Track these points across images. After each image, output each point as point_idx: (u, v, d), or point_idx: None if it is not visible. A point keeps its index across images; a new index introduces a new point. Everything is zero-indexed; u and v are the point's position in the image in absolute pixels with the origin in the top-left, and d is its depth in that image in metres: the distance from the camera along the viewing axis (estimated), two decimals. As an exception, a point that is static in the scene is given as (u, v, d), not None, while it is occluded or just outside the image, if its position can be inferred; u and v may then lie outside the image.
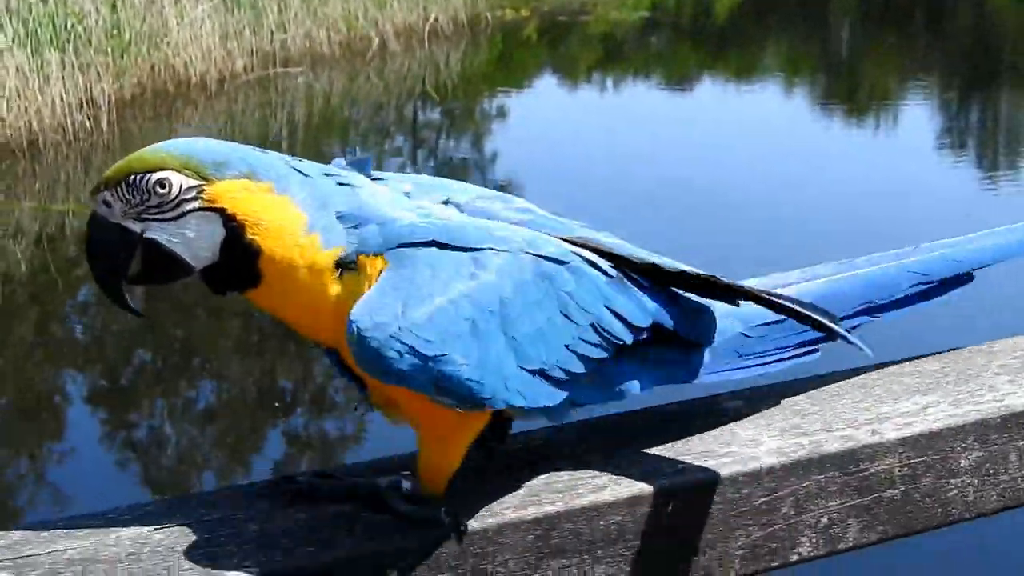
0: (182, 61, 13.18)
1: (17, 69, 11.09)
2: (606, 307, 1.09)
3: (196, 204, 1.01)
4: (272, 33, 14.64)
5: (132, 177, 1.02)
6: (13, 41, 11.29)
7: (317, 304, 1.04)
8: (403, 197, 1.09)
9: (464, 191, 1.15)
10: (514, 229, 1.07)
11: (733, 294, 1.19)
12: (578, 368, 1.08)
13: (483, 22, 18.45)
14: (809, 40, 20.78)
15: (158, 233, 1.02)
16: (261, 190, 1.02)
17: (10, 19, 11.45)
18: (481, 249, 1.04)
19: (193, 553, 1.02)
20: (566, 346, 1.06)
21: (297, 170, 1.05)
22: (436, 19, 17.14)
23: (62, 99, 11.37)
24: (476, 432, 1.08)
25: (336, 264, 1.03)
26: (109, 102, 11.86)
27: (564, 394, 1.08)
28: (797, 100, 14.75)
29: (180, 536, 1.04)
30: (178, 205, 1.01)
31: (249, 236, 1.01)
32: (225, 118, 12.89)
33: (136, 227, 1.03)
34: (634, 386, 1.15)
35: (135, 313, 1.09)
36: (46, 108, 11.22)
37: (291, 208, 1.03)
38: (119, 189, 1.02)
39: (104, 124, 11.60)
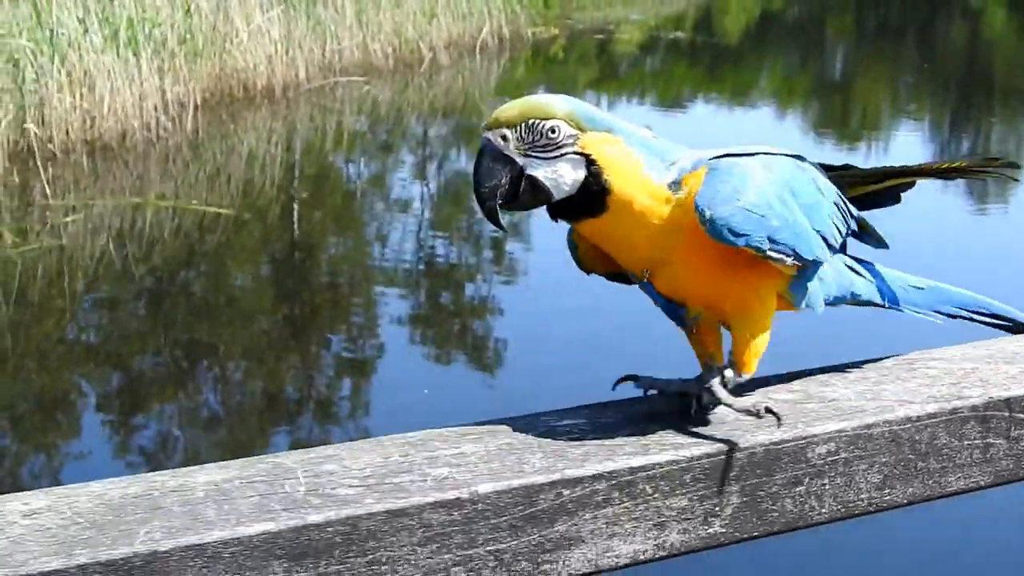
0: (249, 67, 13.43)
1: (109, 72, 11.33)
2: (837, 193, 1.37)
3: (571, 149, 1.22)
4: (328, 43, 14.92)
5: (531, 121, 1.21)
6: (105, 43, 11.54)
7: (651, 225, 1.24)
8: (685, 147, 1.34)
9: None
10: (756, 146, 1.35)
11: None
12: (835, 239, 1.33)
13: (523, 38, 18.88)
14: (810, 64, 21.21)
15: (537, 169, 1.21)
16: (616, 142, 1.23)
17: (98, 23, 11.69)
18: (758, 154, 1.29)
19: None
20: (828, 216, 1.32)
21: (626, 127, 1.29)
22: (482, 34, 17.53)
23: (142, 100, 11.62)
24: (771, 318, 1.31)
25: (668, 187, 1.25)
26: (185, 104, 12.13)
27: (830, 256, 1.33)
28: (790, 123, 15.03)
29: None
30: (558, 148, 1.21)
31: (605, 176, 1.22)
32: (291, 123, 13.14)
33: (520, 160, 1.22)
34: (859, 290, 1.41)
35: (502, 229, 1.29)
36: (133, 109, 11.46)
37: (634, 156, 1.24)
38: (519, 128, 1.22)
39: (183, 125, 11.86)
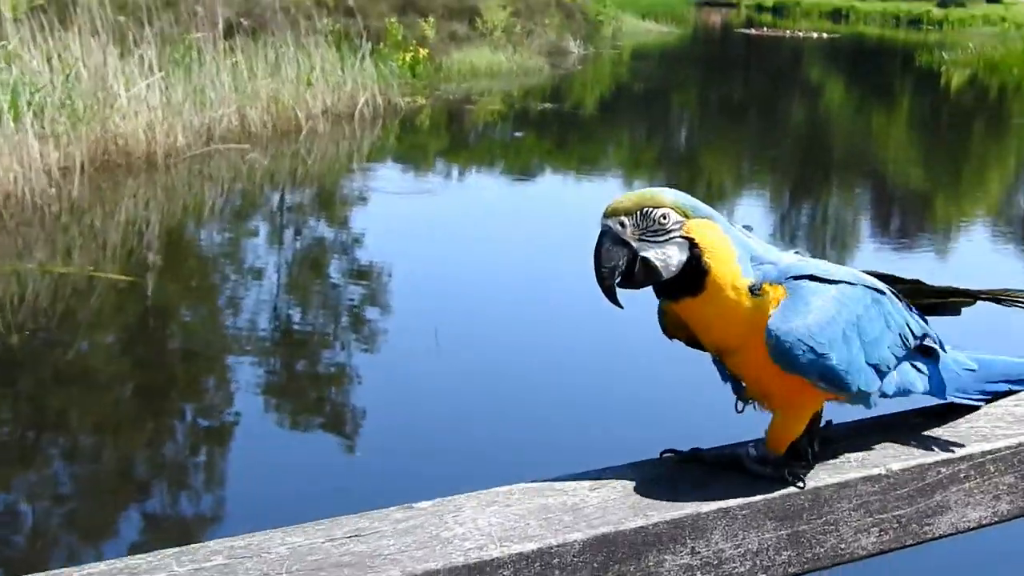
0: (129, 133, 13.30)
1: (-5, 136, 11.15)
2: (904, 322, 1.49)
3: (677, 234, 1.34)
4: (207, 110, 14.87)
5: (645, 209, 1.34)
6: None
7: (733, 316, 1.35)
8: (773, 247, 1.47)
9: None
10: (847, 268, 1.47)
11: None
12: (891, 365, 1.45)
13: (396, 107, 19.06)
14: (657, 136, 21.81)
15: (649, 251, 1.33)
16: (715, 228, 1.36)
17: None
18: (840, 282, 1.39)
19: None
20: (888, 347, 1.44)
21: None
22: (358, 103, 17.67)
23: (23, 165, 11.42)
24: (813, 412, 1.44)
25: (750, 288, 1.35)
26: (68, 170, 11.96)
27: (880, 383, 1.44)
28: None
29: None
30: (667, 232, 1.33)
31: (706, 259, 1.34)
32: (170, 190, 13.02)
33: (635, 244, 1.34)
34: (915, 386, 1.52)
35: (619, 306, 1.37)
36: (15, 174, 11.26)
37: (729, 243, 1.36)
38: (636, 216, 1.34)
39: (65, 191, 11.68)
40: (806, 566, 1.33)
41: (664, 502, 1.26)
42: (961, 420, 1.52)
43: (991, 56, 36.44)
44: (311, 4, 22.29)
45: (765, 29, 54.66)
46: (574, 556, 1.14)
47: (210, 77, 15.39)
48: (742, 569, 1.28)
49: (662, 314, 1.48)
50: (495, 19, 29.07)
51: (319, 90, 17.22)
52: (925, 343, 1.52)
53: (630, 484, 1.29)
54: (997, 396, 1.60)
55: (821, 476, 1.35)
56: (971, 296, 1.60)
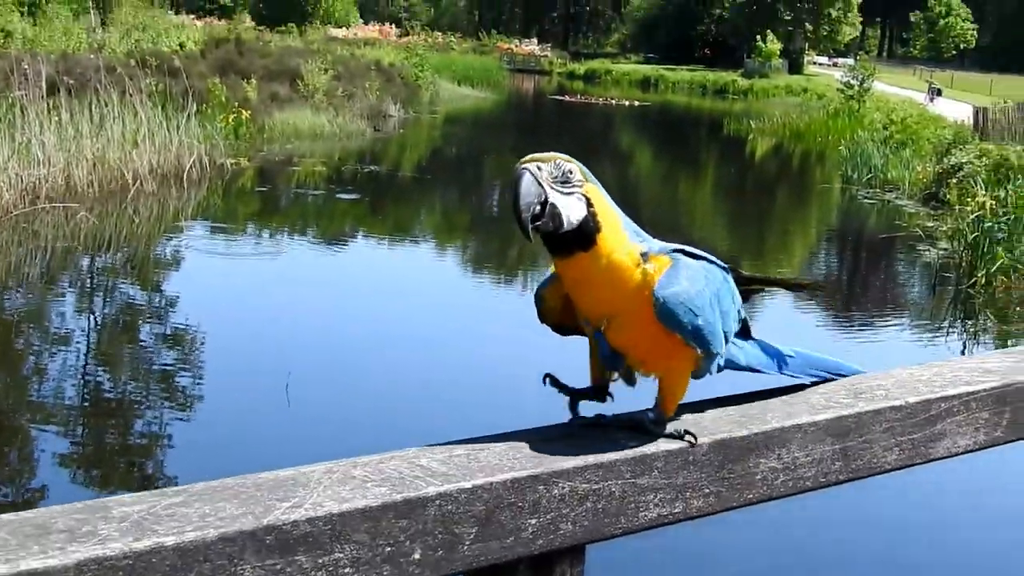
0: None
1: None
2: (740, 302, 1.64)
3: (579, 191, 1.45)
4: (33, 169, 14.85)
5: (559, 161, 1.46)
6: None
7: (621, 277, 1.48)
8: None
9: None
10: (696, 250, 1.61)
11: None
12: (731, 337, 1.61)
13: (222, 168, 19.24)
14: (469, 200, 22.16)
15: (557, 199, 1.44)
16: (601, 194, 1.48)
17: None
18: (703, 259, 1.55)
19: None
20: (733, 319, 1.60)
21: None
22: (185, 163, 17.80)
23: None
24: (687, 377, 1.57)
25: (641, 255, 1.49)
26: None
27: (724, 350, 1.60)
28: (449, 259, 15.53)
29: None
30: (572, 186, 1.45)
31: (599, 219, 1.46)
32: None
33: (547, 189, 1.44)
34: (741, 360, 1.70)
35: (530, 240, 1.47)
36: None
37: (616, 212, 1.49)
38: (551, 164, 1.46)
39: None
40: (850, 475, 1.59)
41: (757, 416, 1.54)
42: (946, 370, 1.82)
43: (795, 125, 38.12)
44: (134, 64, 22.33)
45: (579, 96, 56.06)
46: (702, 455, 1.42)
47: (34, 135, 15.36)
48: (808, 474, 1.53)
49: (539, 300, 1.60)
50: (316, 82, 29.39)
51: (145, 150, 17.28)
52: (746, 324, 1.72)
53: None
54: (818, 382, 1.79)
55: (863, 404, 1.62)
56: (767, 284, 1.83)
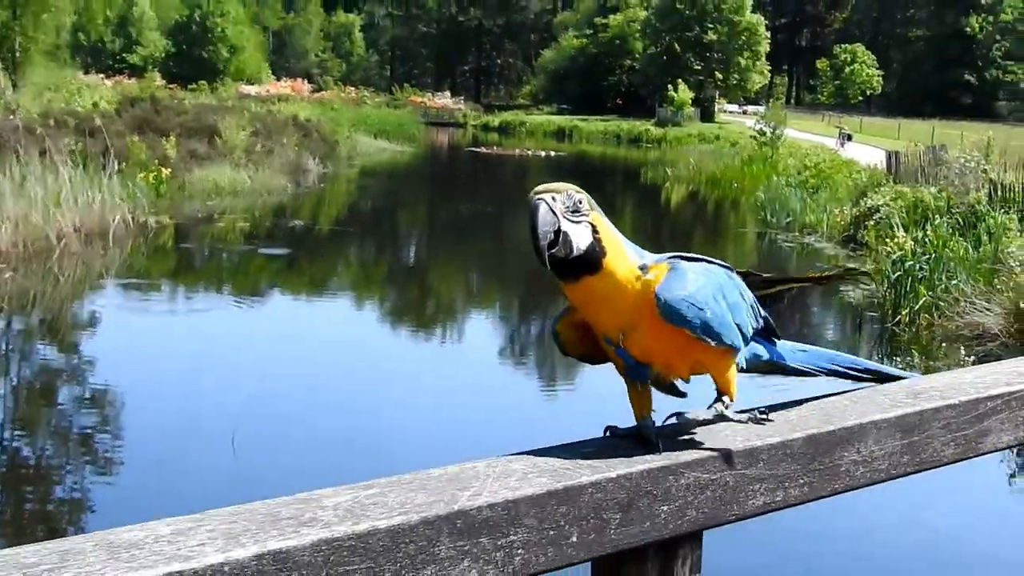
0: None
1: None
2: (752, 299, 1.72)
3: (586, 219, 1.54)
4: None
5: (570, 192, 1.55)
6: None
7: (626, 292, 1.56)
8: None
9: None
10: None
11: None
12: (748, 333, 1.68)
13: (146, 225, 19.15)
14: (388, 254, 22.14)
15: (569, 227, 1.52)
16: (605, 222, 1.56)
17: None
18: (701, 261, 1.64)
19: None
20: (745, 313, 1.66)
21: None
22: (110, 221, 17.70)
23: None
24: (731, 363, 1.66)
25: (640, 267, 1.57)
26: None
27: (744, 347, 1.68)
28: (368, 313, 15.47)
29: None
30: (581, 215, 1.54)
31: (604, 244, 1.55)
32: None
33: (560, 218, 1.53)
34: (767, 354, 1.80)
35: (546, 267, 1.56)
36: None
37: (618, 236, 1.58)
38: (562, 196, 1.54)
39: None
40: (916, 468, 1.71)
41: (837, 414, 1.67)
42: (986, 373, 1.97)
43: (712, 171, 38.73)
44: (52, 124, 22.20)
45: (495, 148, 56.49)
46: (798, 448, 1.54)
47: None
48: (882, 466, 1.66)
49: (556, 335, 1.69)
50: (235, 139, 29.38)
51: (68, 209, 17.17)
52: (767, 324, 1.80)
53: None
54: (830, 373, 1.93)
55: (923, 403, 1.75)
56: (793, 282, 1.94)
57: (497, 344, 13.59)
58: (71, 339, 12.58)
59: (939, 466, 1.75)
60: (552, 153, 54.49)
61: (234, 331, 13.18)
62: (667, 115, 72.29)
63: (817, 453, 1.55)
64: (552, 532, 1.24)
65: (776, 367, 1.85)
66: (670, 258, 1.60)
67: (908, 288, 14.07)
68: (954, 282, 14.03)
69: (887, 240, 16.11)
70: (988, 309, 12.78)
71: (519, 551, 1.21)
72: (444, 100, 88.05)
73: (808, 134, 51.98)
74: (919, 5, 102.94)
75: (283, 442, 8.65)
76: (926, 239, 15.55)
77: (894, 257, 14.57)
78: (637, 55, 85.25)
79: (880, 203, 20.66)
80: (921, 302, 13.72)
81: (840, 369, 1.94)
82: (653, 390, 1.65)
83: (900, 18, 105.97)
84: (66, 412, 9.76)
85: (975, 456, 1.80)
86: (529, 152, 53.98)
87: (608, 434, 1.61)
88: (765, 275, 1.84)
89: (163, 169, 23.55)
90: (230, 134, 29.41)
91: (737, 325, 1.62)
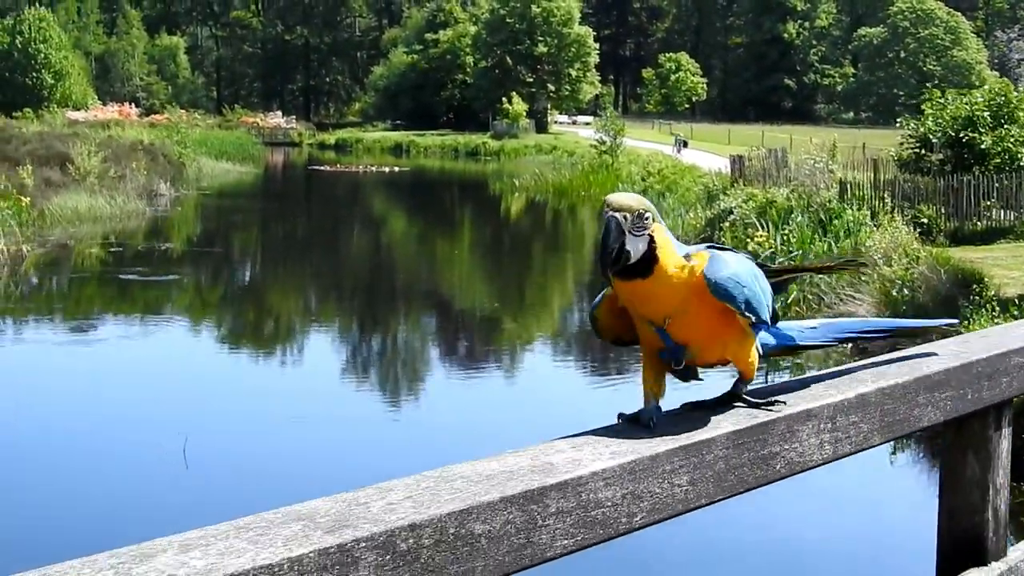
0: None
1: None
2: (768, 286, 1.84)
3: (647, 231, 1.65)
4: None
5: (641, 211, 1.65)
6: None
7: (675, 285, 1.68)
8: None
9: None
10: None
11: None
12: (770, 312, 1.80)
13: (21, 252, 19.04)
14: (223, 276, 21.83)
15: (630, 241, 1.64)
16: (663, 230, 1.68)
17: None
18: (731, 250, 1.77)
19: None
20: (770, 297, 1.80)
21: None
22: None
23: None
24: (752, 347, 1.81)
25: (685, 256, 1.70)
26: None
27: (771, 326, 1.85)
28: (205, 335, 15.28)
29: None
30: (643, 229, 1.65)
31: (658, 251, 1.66)
32: None
33: (626, 235, 1.65)
34: (774, 340, 1.93)
35: (608, 280, 1.72)
36: None
37: (670, 237, 1.70)
38: (632, 215, 1.65)
39: None
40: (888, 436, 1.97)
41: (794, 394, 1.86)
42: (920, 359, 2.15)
43: (558, 181, 39.48)
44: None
45: (338, 165, 56.52)
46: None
47: None
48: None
49: (595, 320, 1.83)
50: (87, 165, 29.10)
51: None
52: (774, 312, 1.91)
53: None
54: (844, 342, 2.10)
55: (892, 378, 1.97)
56: (797, 271, 2.16)
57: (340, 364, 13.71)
58: None
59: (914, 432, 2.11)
60: (395, 169, 54.89)
61: (113, 358, 13.08)
62: (502, 127, 73.12)
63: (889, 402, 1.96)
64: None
65: (789, 350, 2.01)
66: (708, 247, 1.76)
67: (776, 284, 14.89)
68: (818, 277, 14.94)
69: (750, 239, 17.04)
70: (856, 298, 13.73)
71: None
72: (276, 120, 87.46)
73: (642, 142, 53.18)
74: (737, 13, 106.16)
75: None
76: (789, 236, 16.51)
77: (763, 255, 15.42)
78: (469, 69, 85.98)
79: (733, 205, 21.67)
80: (792, 296, 14.57)
81: (854, 335, 2.14)
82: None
83: (719, 26, 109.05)
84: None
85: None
86: (373, 168, 54.36)
87: (620, 421, 1.74)
88: (773, 266, 1.97)
89: (21, 198, 23.25)
90: (82, 160, 29.11)
91: (767, 305, 1.79)
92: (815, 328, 2.02)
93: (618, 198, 1.69)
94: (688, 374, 1.80)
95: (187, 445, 8.74)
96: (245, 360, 13.63)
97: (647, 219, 1.65)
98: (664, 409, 1.73)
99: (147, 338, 14.39)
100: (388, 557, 1.21)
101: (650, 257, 1.65)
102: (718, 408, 1.77)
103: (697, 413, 1.74)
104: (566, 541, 1.40)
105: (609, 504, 1.46)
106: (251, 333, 15.53)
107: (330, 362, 13.55)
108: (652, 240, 1.66)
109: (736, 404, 1.79)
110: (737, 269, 1.71)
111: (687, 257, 1.70)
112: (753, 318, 1.72)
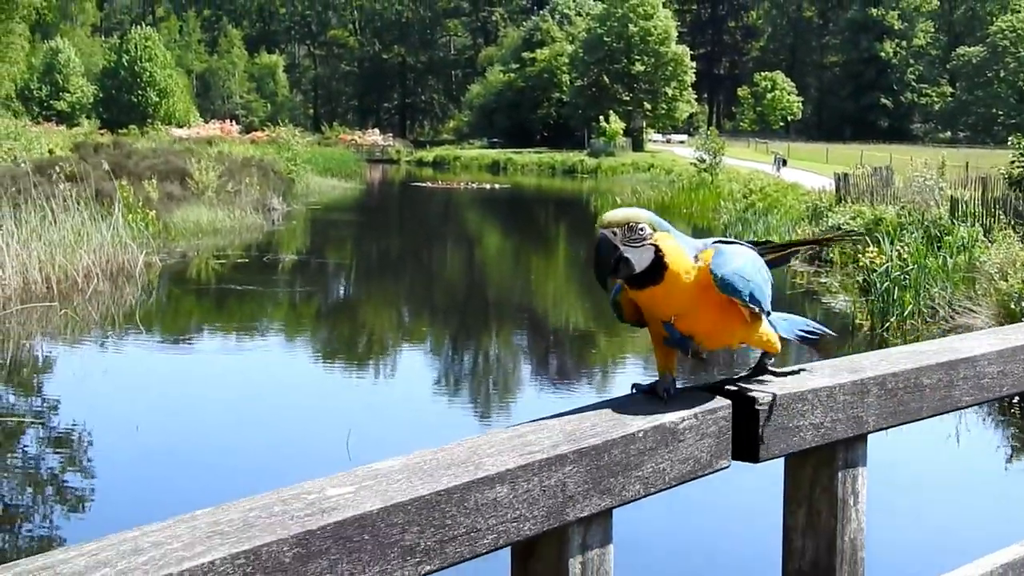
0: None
1: None
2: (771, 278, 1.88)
3: (648, 242, 1.71)
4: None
5: (631, 223, 1.72)
6: None
7: (685, 288, 1.74)
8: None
9: None
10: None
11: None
12: (769, 300, 1.85)
13: (152, 264, 19.86)
14: (319, 293, 21.65)
15: (629, 253, 1.71)
16: (670, 237, 1.74)
17: None
18: (737, 243, 1.84)
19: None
20: (771, 287, 1.86)
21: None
22: (121, 262, 18.42)
23: None
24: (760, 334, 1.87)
25: (694, 257, 1.75)
26: None
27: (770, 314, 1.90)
28: (300, 351, 15.18)
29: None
30: (642, 240, 1.71)
31: (666, 260, 1.72)
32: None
33: (620, 248, 1.72)
34: (781, 329, 1.98)
35: (607, 289, 1.82)
36: None
37: (679, 245, 1.75)
38: (622, 229, 1.72)
39: None
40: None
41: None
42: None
43: (660, 198, 39.49)
44: (33, 171, 22.77)
45: (438, 182, 57.29)
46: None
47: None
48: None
49: (617, 305, 1.89)
50: (206, 179, 30.04)
51: (87, 251, 17.85)
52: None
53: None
54: (802, 340, 2.10)
55: (885, 368, 2.10)
56: (800, 244, 2.23)
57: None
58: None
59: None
60: (496, 186, 55.32)
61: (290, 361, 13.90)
62: (599, 145, 73.19)
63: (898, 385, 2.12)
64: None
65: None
66: (714, 243, 1.83)
67: (894, 297, 15.19)
68: (934, 290, 15.21)
69: (861, 254, 17.33)
70: (973, 311, 14.00)
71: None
72: (374, 137, 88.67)
73: (739, 160, 53.24)
74: (833, 32, 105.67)
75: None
76: (902, 252, 16.79)
77: (879, 269, 15.73)
78: (565, 88, 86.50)
79: (841, 221, 21.93)
80: (908, 309, 14.87)
81: (806, 334, 2.13)
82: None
83: (815, 44, 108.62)
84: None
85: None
86: (473, 185, 54.78)
87: (634, 390, 1.85)
88: (775, 242, 2.07)
89: (148, 211, 24.18)
90: (201, 175, 30.06)
91: (769, 297, 1.86)
92: (785, 320, 2.06)
93: (607, 215, 1.77)
94: (695, 355, 1.90)
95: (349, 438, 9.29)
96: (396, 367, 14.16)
97: (641, 230, 1.72)
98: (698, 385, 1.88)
99: (304, 348, 15.04)
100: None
101: (659, 265, 1.73)
102: (751, 380, 1.92)
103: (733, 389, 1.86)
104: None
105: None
106: (395, 340, 16.09)
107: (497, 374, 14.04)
108: (658, 249, 1.73)
109: (761, 378, 1.93)
110: (742, 262, 1.78)
111: (695, 259, 1.77)
112: (756, 308, 1.81)
